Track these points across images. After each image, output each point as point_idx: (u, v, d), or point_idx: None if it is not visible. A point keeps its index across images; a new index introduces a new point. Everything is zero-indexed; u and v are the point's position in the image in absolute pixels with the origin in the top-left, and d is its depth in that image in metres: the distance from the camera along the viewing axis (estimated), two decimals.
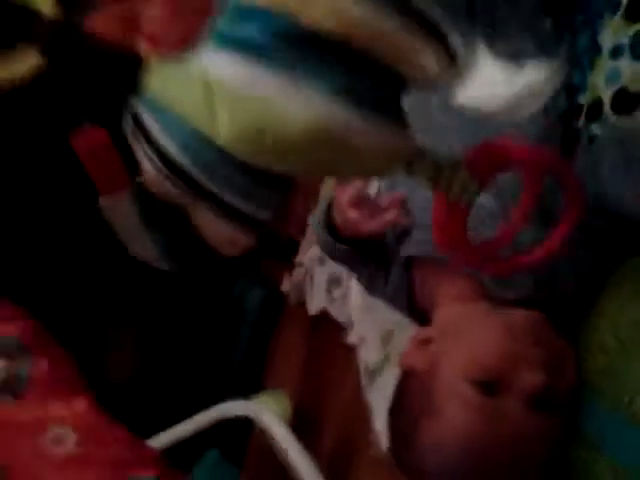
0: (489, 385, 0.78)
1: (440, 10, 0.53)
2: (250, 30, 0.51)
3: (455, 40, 0.53)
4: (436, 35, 0.52)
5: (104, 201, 0.58)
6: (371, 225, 0.89)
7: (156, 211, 0.58)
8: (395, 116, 0.54)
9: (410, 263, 0.95)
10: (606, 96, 0.92)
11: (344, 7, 0.49)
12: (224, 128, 0.51)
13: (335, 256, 1.03)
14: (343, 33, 0.50)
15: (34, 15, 0.57)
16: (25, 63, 0.55)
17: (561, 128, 0.93)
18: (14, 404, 0.68)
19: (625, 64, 0.92)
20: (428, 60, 0.53)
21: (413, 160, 0.56)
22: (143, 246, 0.60)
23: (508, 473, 0.78)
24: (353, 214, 0.89)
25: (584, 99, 0.95)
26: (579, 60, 1.00)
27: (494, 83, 0.57)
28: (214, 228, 0.59)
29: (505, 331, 0.81)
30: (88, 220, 0.62)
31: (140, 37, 0.69)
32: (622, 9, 0.93)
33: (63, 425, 0.69)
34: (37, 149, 0.84)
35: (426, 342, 0.87)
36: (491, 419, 0.77)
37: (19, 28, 0.55)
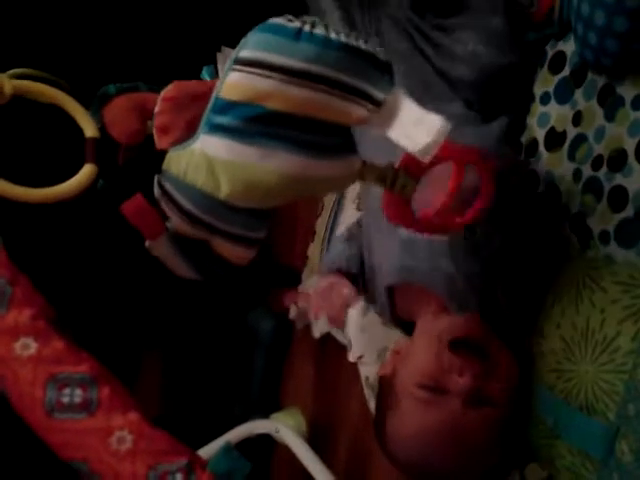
0: (432, 388, 0.95)
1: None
2: (228, 118, 0.72)
3: (378, 94, 0.71)
4: (360, 95, 0.71)
5: (149, 244, 0.78)
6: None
7: (186, 244, 0.79)
8: (339, 150, 0.75)
9: (391, 288, 1.13)
10: (540, 136, 1.09)
11: (289, 92, 0.69)
12: (224, 187, 0.73)
13: None
14: (292, 111, 0.70)
15: (85, 140, 0.76)
16: (85, 175, 0.75)
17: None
18: (89, 418, 0.94)
19: (552, 109, 1.08)
20: (357, 112, 0.71)
21: (363, 172, 0.76)
22: (182, 268, 0.82)
23: (457, 457, 0.94)
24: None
25: (523, 138, 1.13)
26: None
27: (410, 125, 0.70)
28: (227, 249, 0.80)
29: (436, 343, 0.98)
30: (139, 258, 0.83)
31: (153, 128, 0.89)
32: (546, 63, 1.11)
33: (123, 430, 0.94)
34: (99, 219, 1.06)
35: (397, 353, 1.06)
36: (435, 411, 0.93)
37: (82, 156, 0.75)
